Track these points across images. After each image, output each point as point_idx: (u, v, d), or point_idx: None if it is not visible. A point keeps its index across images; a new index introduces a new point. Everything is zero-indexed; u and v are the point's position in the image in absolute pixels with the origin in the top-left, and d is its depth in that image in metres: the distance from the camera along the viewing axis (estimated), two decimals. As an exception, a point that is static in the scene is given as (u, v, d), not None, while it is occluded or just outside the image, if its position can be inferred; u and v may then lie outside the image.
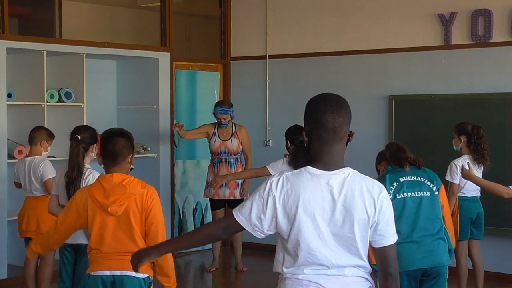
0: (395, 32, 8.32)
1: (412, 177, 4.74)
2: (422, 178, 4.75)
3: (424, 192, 4.69)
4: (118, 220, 4.05)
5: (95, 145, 5.29)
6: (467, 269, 6.72)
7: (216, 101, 9.36)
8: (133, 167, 4.27)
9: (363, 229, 2.87)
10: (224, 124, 8.04)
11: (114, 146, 4.12)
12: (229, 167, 8.10)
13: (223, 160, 8.11)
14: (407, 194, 4.66)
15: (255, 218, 2.91)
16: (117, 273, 4.05)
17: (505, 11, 7.65)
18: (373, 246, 2.91)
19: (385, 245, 2.92)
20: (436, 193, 4.73)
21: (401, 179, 4.71)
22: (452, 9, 7.93)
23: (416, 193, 4.67)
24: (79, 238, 5.20)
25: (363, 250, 2.90)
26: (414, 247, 4.50)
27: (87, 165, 5.24)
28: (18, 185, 6.73)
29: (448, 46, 7.95)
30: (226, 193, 8.11)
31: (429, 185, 4.70)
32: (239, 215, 2.95)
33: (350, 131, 2.95)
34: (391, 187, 4.65)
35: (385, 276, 2.92)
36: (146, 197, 4.07)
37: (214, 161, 8.17)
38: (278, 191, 2.88)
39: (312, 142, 2.92)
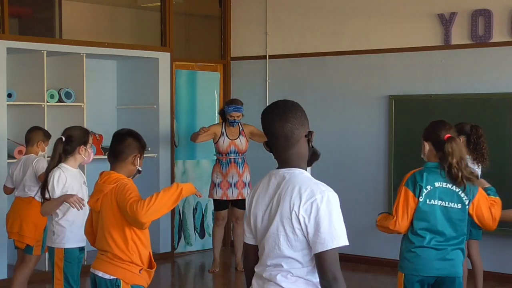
0: (395, 32, 8.32)
1: (448, 184, 4.39)
2: (456, 188, 4.40)
3: (455, 204, 4.40)
4: (99, 216, 4.18)
5: (83, 147, 5.23)
6: (467, 269, 6.71)
7: (216, 101, 9.39)
8: (140, 169, 4.26)
9: (288, 227, 2.87)
10: (236, 122, 8.06)
11: (117, 145, 4.20)
12: (238, 167, 8.10)
13: (232, 160, 8.10)
14: (438, 202, 4.38)
15: (245, 225, 3.13)
16: (94, 271, 4.18)
17: (505, 11, 7.65)
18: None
19: (316, 252, 2.84)
20: (467, 206, 4.42)
21: (436, 184, 4.38)
22: (452, 9, 7.92)
23: (446, 202, 4.38)
24: (47, 240, 5.27)
25: (289, 252, 2.89)
26: (433, 253, 4.38)
27: (66, 166, 5.19)
28: (9, 190, 6.71)
29: (448, 46, 7.95)
30: (234, 194, 8.14)
31: (462, 197, 4.41)
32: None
33: (309, 131, 3.00)
34: (425, 190, 4.36)
35: (323, 283, 2.84)
36: (115, 192, 4.08)
37: (222, 161, 8.15)
38: (247, 197, 3.14)
39: (271, 150, 3.03)
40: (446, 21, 7.94)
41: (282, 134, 2.94)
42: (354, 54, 8.60)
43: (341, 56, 8.70)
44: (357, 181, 8.49)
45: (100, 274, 4.10)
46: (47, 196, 5.16)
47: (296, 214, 2.85)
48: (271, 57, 9.28)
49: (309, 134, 2.99)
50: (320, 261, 2.83)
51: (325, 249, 2.81)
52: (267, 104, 9.89)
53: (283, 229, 2.88)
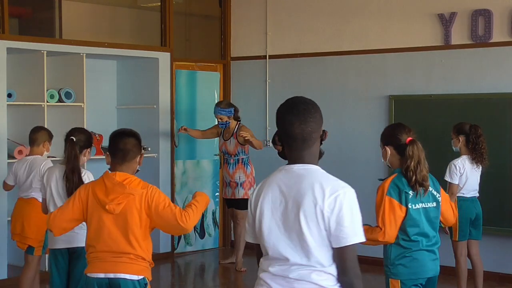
0: (395, 32, 8.32)
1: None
2: (430, 188, 4.41)
3: (431, 203, 4.40)
4: (116, 218, 4.08)
5: (88, 150, 5.30)
6: (467, 269, 6.72)
7: (216, 101, 9.38)
8: (139, 168, 4.30)
9: (312, 223, 2.85)
10: (222, 124, 8.12)
11: (125, 145, 4.18)
12: (229, 167, 8.17)
13: (225, 160, 8.28)
14: (420, 205, 4.36)
15: (248, 226, 3.06)
16: (111, 275, 4.08)
17: (505, 11, 7.65)
18: (332, 246, 2.87)
19: (337, 247, 2.85)
20: (440, 203, 4.44)
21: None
22: (452, 9, 7.93)
23: (425, 204, 4.37)
24: (75, 242, 5.19)
25: (317, 248, 2.87)
26: (426, 255, 4.37)
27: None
28: (8, 187, 6.71)
29: (448, 46, 7.95)
30: (229, 193, 8.25)
31: (435, 195, 4.43)
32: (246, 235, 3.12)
33: (323, 131, 3.02)
34: (409, 195, 4.33)
35: (342, 277, 2.88)
36: (146, 197, 4.09)
37: (224, 160, 8.42)
38: (251, 192, 3.10)
39: (284, 146, 3.01)
40: (446, 21, 7.94)
41: (301, 137, 2.92)
42: (354, 54, 8.60)
43: (341, 56, 8.70)
44: (357, 181, 8.44)
45: (128, 276, 4.07)
46: None
47: (321, 209, 2.83)
48: (271, 57, 9.28)
49: (323, 134, 3.01)
50: (342, 256, 2.85)
51: (347, 244, 2.83)
52: (267, 104, 9.94)
53: (307, 226, 2.85)
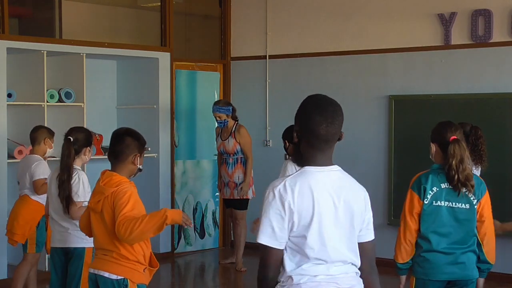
0: (395, 32, 8.32)
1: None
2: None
3: (463, 204, 4.34)
4: (99, 217, 4.16)
5: (88, 148, 5.26)
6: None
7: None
8: (141, 167, 4.26)
9: (358, 224, 2.97)
10: (220, 122, 8.13)
11: (115, 145, 4.20)
12: (227, 167, 8.16)
13: (224, 160, 8.23)
14: (444, 203, 4.32)
15: (279, 230, 2.86)
16: (96, 271, 4.17)
17: (505, 11, 7.65)
18: (359, 241, 2.99)
19: (368, 240, 3.01)
20: (475, 205, 4.35)
21: (442, 185, 4.33)
22: (452, 9, 7.92)
23: (453, 203, 4.32)
24: (68, 242, 5.21)
25: (356, 246, 2.98)
26: (442, 258, 4.33)
27: (76, 167, 5.20)
28: None
29: (448, 46, 7.95)
30: (227, 193, 8.22)
31: (469, 196, 4.34)
32: (263, 238, 2.87)
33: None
34: (430, 192, 4.32)
35: (369, 270, 3.02)
36: (113, 195, 4.08)
37: (222, 160, 8.34)
38: (290, 195, 2.86)
39: (302, 143, 2.99)
40: (446, 21, 7.94)
41: (325, 138, 2.94)
42: (354, 54, 8.60)
43: (341, 56, 8.70)
44: (357, 181, 8.47)
45: (106, 274, 4.10)
46: (80, 199, 5.12)
47: (364, 211, 3.01)
48: (271, 57, 9.28)
49: (340, 136, 3.05)
50: (371, 248, 3.02)
51: (373, 237, 3.03)
52: (267, 104, 9.93)
53: (355, 228, 2.96)
